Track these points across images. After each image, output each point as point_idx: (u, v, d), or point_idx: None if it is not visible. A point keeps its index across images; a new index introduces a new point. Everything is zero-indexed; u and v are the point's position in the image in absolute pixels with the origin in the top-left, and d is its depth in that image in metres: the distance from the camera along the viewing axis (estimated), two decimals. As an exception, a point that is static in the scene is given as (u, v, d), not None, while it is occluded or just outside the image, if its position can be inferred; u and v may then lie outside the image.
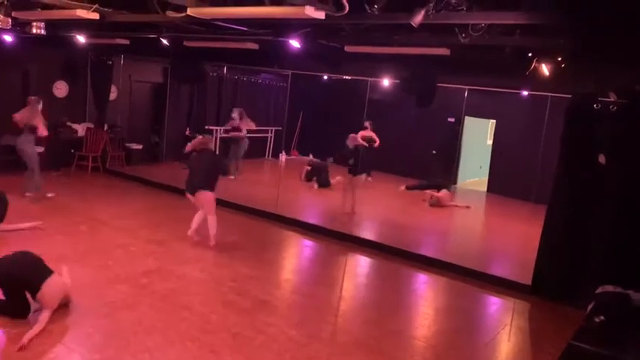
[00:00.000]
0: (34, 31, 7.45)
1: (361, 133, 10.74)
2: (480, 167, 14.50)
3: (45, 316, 4.35)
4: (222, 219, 8.32)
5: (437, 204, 10.92)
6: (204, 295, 5.41)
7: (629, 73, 5.56)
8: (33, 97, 8.51)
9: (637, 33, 4.25)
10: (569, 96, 6.28)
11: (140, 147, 12.35)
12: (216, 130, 13.23)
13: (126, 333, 4.43)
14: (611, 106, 5.73)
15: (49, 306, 4.41)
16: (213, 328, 4.69)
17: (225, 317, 4.92)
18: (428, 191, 11.13)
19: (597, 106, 5.80)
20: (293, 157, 15.35)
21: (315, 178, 11.94)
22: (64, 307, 4.63)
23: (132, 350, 4.16)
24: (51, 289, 4.42)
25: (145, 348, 4.21)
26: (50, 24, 7.59)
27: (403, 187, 11.42)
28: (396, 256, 7.41)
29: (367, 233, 8.50)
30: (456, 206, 11.14)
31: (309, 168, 12.28)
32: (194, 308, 5.04)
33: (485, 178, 13.63)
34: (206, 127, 12.99)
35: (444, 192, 11.06)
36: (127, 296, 5.17)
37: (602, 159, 5.81)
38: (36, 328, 4.21)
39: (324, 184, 11.70)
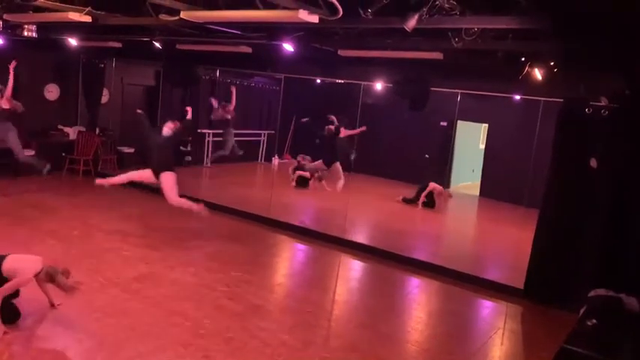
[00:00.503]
0: (26, 33, 7.40)
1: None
2: (473, 171, 14.55)
3: (16, 281, 4.28)
4: (214, 222, 8.31)
5: (434, 198, 11.05)
6: (196, 300, 5.37)
7: (621, 77, 5.59)
8: None
9: (628, 38, 4.28)
10: (561, 100, 6.32)
11: (132, 150, 12.26)
12: (209, 133, 13.18)
13: (118, 338, 4.39)
14: (602, 111, 5.76)
15: (23, 275, 4.32)
16: (205, 332, 4.66)
17: (218, 322, 4.90)
18: (422, 195, 11.15)
19: (589, 110, 5.83)
20: (285, 160, 15.32)
21: (316, 175, 11.86)
22: (68, 279, 4.53)
23: (124, 356, 4.12)
24: (12, 262, 4.35)
25: (137, 353, 4.18)
26: (42, 27, 7.54)
27: (400, 198, 11.41)
28: (389, 259, 7.40)
29: (360, 237, 8.50)
30: (450, 196, 11.45)
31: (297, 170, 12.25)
32: (187, 313, 5.01)
33: (478, 182, 13.67)
34: (198, 131, 12.94)
35: (432, 184, 11.12)
36: (119, 301, 5.13)
37: (593, 163, 5.84)
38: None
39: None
